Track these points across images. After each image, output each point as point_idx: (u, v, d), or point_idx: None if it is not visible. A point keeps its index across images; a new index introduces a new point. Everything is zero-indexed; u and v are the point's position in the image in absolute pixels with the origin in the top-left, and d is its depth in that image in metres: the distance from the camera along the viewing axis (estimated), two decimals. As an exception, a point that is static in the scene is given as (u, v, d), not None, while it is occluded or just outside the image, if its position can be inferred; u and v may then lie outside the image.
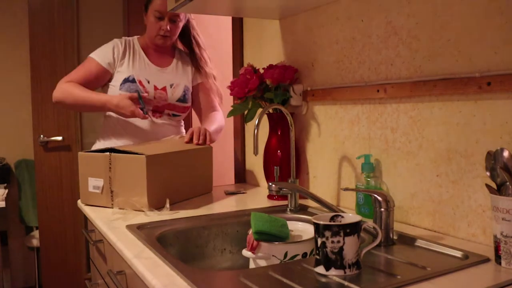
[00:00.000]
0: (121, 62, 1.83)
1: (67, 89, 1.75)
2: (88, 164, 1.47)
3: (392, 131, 1.24)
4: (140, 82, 1.81)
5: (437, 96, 1.10)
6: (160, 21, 1.79)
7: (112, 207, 1.42)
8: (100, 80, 1.82)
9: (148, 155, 1.38)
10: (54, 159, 2.86)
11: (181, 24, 1.85)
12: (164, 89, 1.85)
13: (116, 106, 1.68)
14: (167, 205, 1.40)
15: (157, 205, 1.41)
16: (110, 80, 1.84)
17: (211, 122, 1.88)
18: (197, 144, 1.63)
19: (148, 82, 1.83)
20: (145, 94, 1.77)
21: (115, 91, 1.80)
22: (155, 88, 1.83)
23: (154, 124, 1.84)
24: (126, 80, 1.79)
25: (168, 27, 1.79)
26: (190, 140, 1.65)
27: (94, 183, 1.45)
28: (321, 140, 1.51)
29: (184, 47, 1.98)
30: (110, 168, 1.41)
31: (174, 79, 1.88)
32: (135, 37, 1.92)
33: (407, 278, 0.82)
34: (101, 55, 1.82)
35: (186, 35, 1.93)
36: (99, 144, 1.91)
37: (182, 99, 1.89)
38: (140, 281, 0.93)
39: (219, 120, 1.92)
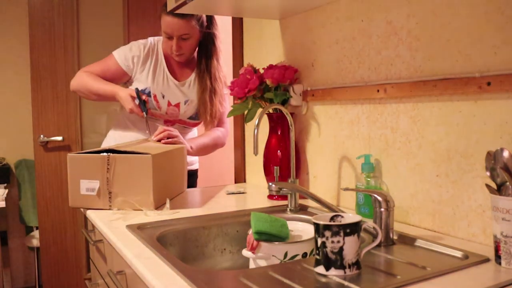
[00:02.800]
0: (141, 68, 1.84)
1: (83, 79, 1.81)
2: (80, 166, 1.43)
3: (392, 131, 1.24)
4: (155, 96, 1.84)
5: (437, 96, 1.10)
6: (170, 40, 1.79)
7: (110, 209, 1.41)
8: (116, 79, 1.85)
9: (154, 154, 1.39)
10: (54, 159, 2.87)
11: (193, 40, 1.81)
12: (177, 105, 1.87)
13: (121, 99, 1.74)
14: (167, 205, 1.40)
15: (158, 204, 1.42)
16: (129, 82, 1.87)
17: (201, 136, 1.92)
18: (158, 141, 1.66)
19: (163, 97, 1.85)
20: (144, 97, 1.75)
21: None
22: (169, 104, 1.86)
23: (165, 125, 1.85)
24: (142, 92, 1.83)
25: (177, 47, 1.78)
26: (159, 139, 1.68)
27: (87, 185, 1.42)
28: (321, 140, 1.51)
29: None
30: (108, 169, 1.41)
31: (190, 94, 1.89)
32: (160, 40, 1.88)
33: (407, 278, 0.82)
34: (122, 56, 1.84)
35: (207, 45, 1.87)
36: (111, 134, 1.96)
37: (194, 117, 1.91)
38: (140, 281, 0.93)
39: (214, 137, 1.92)
